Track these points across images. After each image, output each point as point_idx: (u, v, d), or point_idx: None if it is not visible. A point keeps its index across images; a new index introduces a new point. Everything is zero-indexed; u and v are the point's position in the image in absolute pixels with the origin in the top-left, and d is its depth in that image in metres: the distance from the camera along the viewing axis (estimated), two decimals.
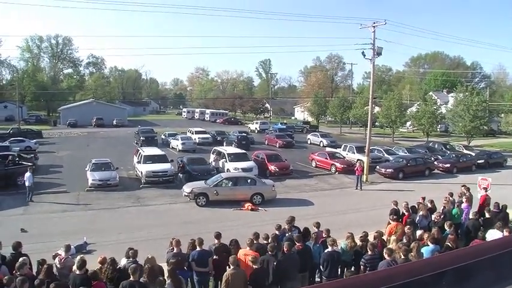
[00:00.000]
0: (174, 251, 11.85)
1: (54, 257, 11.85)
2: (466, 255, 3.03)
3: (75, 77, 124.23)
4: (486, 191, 20.93)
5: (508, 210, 17.19)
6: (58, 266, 11.26)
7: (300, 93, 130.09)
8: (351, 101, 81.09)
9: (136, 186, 29.81)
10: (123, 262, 11.32)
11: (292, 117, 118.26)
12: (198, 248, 11.83)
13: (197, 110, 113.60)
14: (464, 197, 18.82)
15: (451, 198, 18.70)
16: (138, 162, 32.34)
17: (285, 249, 11.36)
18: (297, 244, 11.87)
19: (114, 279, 10.32)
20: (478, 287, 2.87)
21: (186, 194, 25.61)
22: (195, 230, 18.92)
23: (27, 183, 25.28)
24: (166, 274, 10.67)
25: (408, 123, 73.32)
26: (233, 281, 10.07)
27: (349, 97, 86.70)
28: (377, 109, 69.94)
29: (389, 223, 15.49)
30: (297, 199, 27.54)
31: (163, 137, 53.91)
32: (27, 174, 25.53)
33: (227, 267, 10.78)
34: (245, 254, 11.37)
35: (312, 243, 12.59)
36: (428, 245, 12.10)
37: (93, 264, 11.09)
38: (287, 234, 13.41)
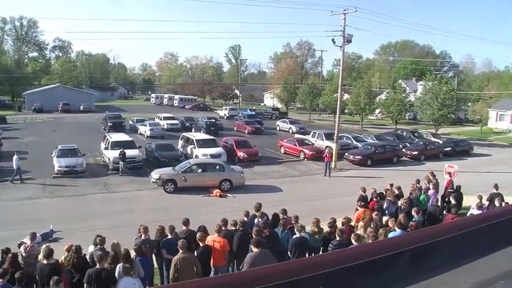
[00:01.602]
0: (142, 237, 11.81)
1: (19, 246, 11.65)
2: (422, 236, 3.16)
3: (40, 60, 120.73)
4: (450, 176, 21.56)
5: (471, 197, 17.67)
6: (23, 254, 11.07)
7: (270, 79, 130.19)
8: (321, 88, 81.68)
9: (104, 172, 29.47)
10: (90, 249, 11.23)
11: (262, 104, 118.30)
12: (169, 236, 11.81)
13: (166, 95, 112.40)
14: (431, 184, 19.24)
15: (418, 185, 19.05)
16: (106, 148, 31.94)
17: (254, 235, 11.48)
18: (264, 231, 11.99)
19: (80, 267, 10.23)
20: (434, 266, 3.01)
21: (154, 180, 25.48)
22: (163, 216, 18.89)
23: (14, 166, 26.90)
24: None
25: (377, 111, 74.44)
26: (182, 265, 10.05)
27: (319, 84, 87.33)
28: (346, 96, 70.69)
29: (357, 209, 15.84)
30: (266, 185, 27.74)
31: (131, 122, 53.36)
32: (15, 157, 27.22)
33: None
34: (213, 240, 11.45)
35: (281, 229, 12.75)
36: (395, 231, 12.39)
37: (60, 252, 10.97)
38: (256, 221, 13.56)
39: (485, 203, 16.47)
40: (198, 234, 11.47)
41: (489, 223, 3.75)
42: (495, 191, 18.33)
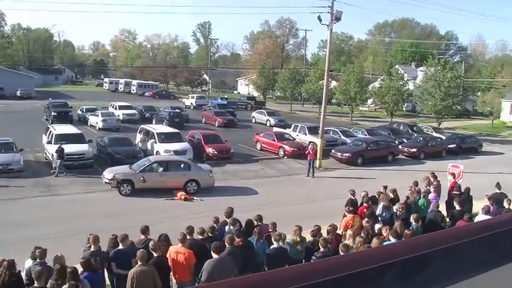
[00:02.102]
0: (92, 249, 11.69)
1: None
2: (416, 245, 3.22)
3: None
4: (454, 177, 21.81)
5: (479, 202, 17.43)
6: None
7: (245, 63, 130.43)
8: (304, 73, 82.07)
9: (46, 171, 29.07)
10: (27, 264, 11.07)
11: (235, 92, 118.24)
12: (120, 246, 11.72)
13: (122, 80, 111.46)
14: (431, 186, 19.27)
15: (416, 187, 19.18)
16: (49, 142, 31.46)
17: (227, 244, 11.49)
18: (237, 240, 12.01)
19: (12, 286, 9.99)
20: (428, 280, 3.07)
21: (107, 180, 25.29)
22: (117, 223, 18.76)
23: None
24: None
25: (370, 101, 75.12)
26: (139, 279, 10.02)
27: (302, 69, 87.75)
28: (334, 84, 71.20)
29: (345, 215, 15.98)
30: (239, 187, 27.81)
31: (79, 112, 52.87)
32: None
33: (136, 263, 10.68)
34: (176, 251, 11.39)
35: (255, 238, 12.78)
36: (389, 240, 12.45)
37: None
38: (226, 228, 13.57)
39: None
40: (151, 243, 11.36)
41: (494, 232, 3.83)
42: (498, 191, 18.66)
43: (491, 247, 3.57)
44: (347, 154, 36.46)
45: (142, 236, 12.31)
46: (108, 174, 25.62)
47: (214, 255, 10.56)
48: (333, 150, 37.32)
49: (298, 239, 13.07)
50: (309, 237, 13.37)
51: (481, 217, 15.46)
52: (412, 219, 14.87)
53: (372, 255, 3.17)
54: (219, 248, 10.75)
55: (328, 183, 30.27)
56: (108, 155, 31.69)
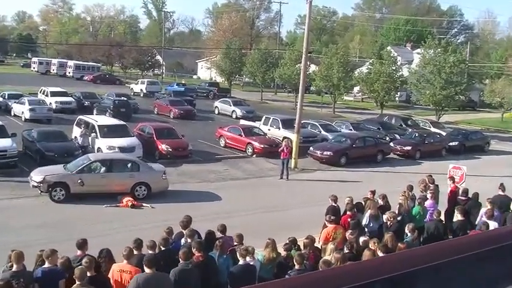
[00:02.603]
0: (14, 268, 11.50)
1: None
2: (400, 261, 3.25)
3: None
4: (454, 181, 21.93)
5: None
6: None
7: (206, 42, 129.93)
8: (278, 55, 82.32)
9: None
10: None
11: (194, 77, 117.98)
12: (46, 264, 11.55)
13: (54, 60, 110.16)
14: (428, 191, 19.39)
15: (410, 192, 19.25)
16: None
17: (181, 260, 11.44)
18: (196, 254, 11.96)
19: None
20: None
21: (36, 184, 24.90)
22: (48, 236, 18.54)
23: None
24: None
25: (356, 89, 76.01)
26: None
27: (275, 50, 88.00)
28: (313, 68, 71.64)
29: (325, 226, 16.07)
30: (198, 192, 27.78)
31: (0, 99, 52.09)
32: None
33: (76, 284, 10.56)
34: (121, 270, 11.28)
35: (217, 253, 12.76)
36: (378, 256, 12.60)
37: None
38: (183, 241, 13.52)
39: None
40: (84, 260, 11.21)
41: (491, 247, 3.85)
42: (501, 193, 18.94)
43: (488, 265, 3.59)
44: (328, 152, 36.70)
45: (79, 252, 12.13)
46: (36, 175, 25.22)
47: (147, 270, 10.55)
48: (311, 148, 37.56)
49: (274, 255, 13.03)
50: (282, 252, 13.38)
51: (483, 223, 15.64)
52: (407, 230, 14.96)
53: (351, 272, 3.19)
54: (152, 261, 10.70)
55: (305, 187, 30.45)
56: (37, 152, 31.20)
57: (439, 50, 56.95)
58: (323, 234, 15.50)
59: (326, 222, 16.04)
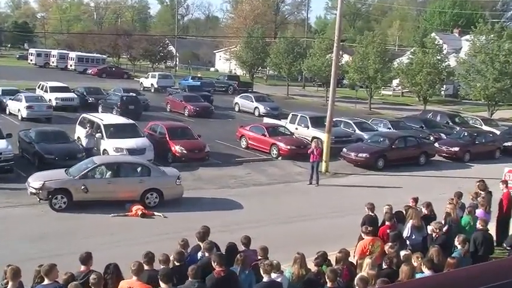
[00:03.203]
0: (10, 286, 11.56)
1: None
2: (458, 280, 3.16)
3: None
4: (507, 186, 21.48)
5: None
6: None
7: (225, 30, 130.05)
8: (306, 44, 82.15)
9: None
10: None
11: (212, 69, 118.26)
12: (46, 281, 11.57)
13: (54, 52, 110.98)
14: (479, 199, 19.09)
15: (459, 200, 19.05)
16: None
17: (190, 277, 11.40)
18: (217, 269, 11.91)
19: None
20: None
21: (34, 190, 24.94)
22: (48, 250, 18.58)
23: None
24: None
25: (395, 82, 75.49)
26: None
27: (303, 38, 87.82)
28: (346, 58, 71.37)
29: (361, 238, 15.94)
30: (216, 199, 27.75)
31: None
32: None
33: None
34: (130, 287, 11.34)
35: (239, 268, 12.70)
36: (422, 272, 12.43)
37: None
38: (199, 255, 13.49)
39: None
40: (91, 277, 11.21)
41: None
42: None
43: None
44: (363, 154, 36.44)
45: (83, 267, 12.17)
46: (35, 181, 25.24)
47: (163, 285, 10.67)
48: (344, 149, 37.33)
49: (303, 272, 12.94)
50: (312, 268, 13.28)
51: None
52: (456, 242, 14.75)
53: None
54: (168, 275, 10.80)
55: (337, 193, 30.29)
56: (35, 155, 31.31)
57: (492, 36, 55.84)
58: (359, 248, 15.39)
59: (362, 234, 15.89)
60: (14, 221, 23.52)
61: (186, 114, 52.96)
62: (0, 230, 22.33)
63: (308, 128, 42.02)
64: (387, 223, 16.82)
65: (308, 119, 42.88)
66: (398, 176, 34.16)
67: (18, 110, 46.61)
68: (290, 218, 24.89)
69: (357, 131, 42.39)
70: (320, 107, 58.08)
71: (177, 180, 26.82)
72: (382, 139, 38.76)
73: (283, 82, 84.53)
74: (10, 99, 49.09)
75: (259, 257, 13.27)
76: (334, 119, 37.62)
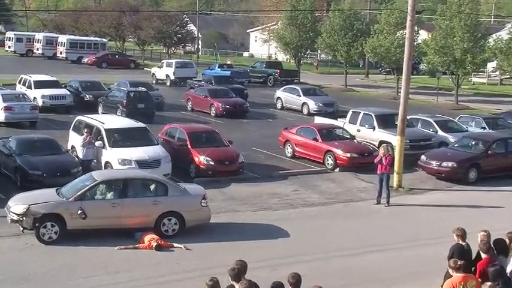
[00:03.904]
0: None
1: None
2: None
3: None
4: None
5: None
6: None
7: (262, 2, 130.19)
8: (369, 18, 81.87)
9: None
10: None
11: (245, 54, 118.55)
12: None
13: (39, 35, 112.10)
14: None
15: None
16: None
17: None
18: None
19: None
20: None
21: (16, 217, 25.09)
22: None
23: None
24: None
25: (491, 66, 74.62)
26: None
27: (365, 10, 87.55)
28: (423, 36, 70.90)
29: (449, 275, 15.83)
30: (254, 225, 27.76)
31: None
32: None
33: None
34: None
35: None
36: None
37: None
38: None
39: None
40: None
41: None
42: None
43: None
44: (449, 164, 36.21)
45: None
46: (17, 205, 25.25)
47: None
48: (423, 157, 37.15)
49: None
50: None
51: None
52: None
53: None
54: None
55: (414, 215, 30.11)
56: (16, 171, 31.60)
57: None
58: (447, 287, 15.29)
59: (450, 270, 15.77)
60: None
61: (212, 114, 53.34)
62: None
63: (374, 129, 41.88)
64: (484, 255, 16.58)
65: (374, 117, 42.70)
66: (497, 192, 33.88)
67: None
68: (351, 250, 24.71)
69: (440, 132, 42.17)
70: (389, 101, 57.91)
71: (203, 201, 26.75)
72: (474, 143, 38.63)
73: (339, 69, 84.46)
74: None
75: None
76: (408, 117, 37.46)
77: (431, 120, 44.13)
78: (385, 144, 34.92)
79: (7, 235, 25.31)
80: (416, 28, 41.42)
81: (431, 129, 42.65)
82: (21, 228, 24.90)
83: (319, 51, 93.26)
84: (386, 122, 41.13)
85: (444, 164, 36.18)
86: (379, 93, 72.60)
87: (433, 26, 73.02)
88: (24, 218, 24.57)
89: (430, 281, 16.31)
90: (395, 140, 35.74)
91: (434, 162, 36.48)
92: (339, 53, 79.23)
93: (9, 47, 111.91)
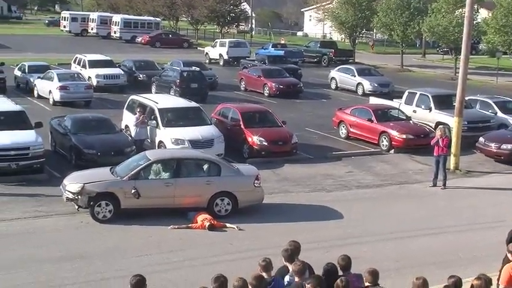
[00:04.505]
0: None
1: None
2: None
3: None
4: None
5: None
6: None
7: None
8: None
9: None
10: None
11: (299, 33, 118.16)
12: None
13: (93, 15, 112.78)
14: None
15: None
16: None
17: None
18: None
19: None
20: None
21: (71, 196, 25.27)
22: (90, 273, 18.94)
23: None
24: None
25: None
26: None
27: None
28: (484, 14, 70.09)
29: (507, 260, 15.69)
30: (307, 206, 27.79)
31: (18, 73, 53.86)
32: None
33: None
34: None
35: None
36: None
37: None
38: (287, 279, 13.55)
39: None
40: None
41: None
42: None
43: None
44: (509, 146, 35.80)
45: None
46: (72, 184, 25.47)
47: None
48: (481, 139, 36.81)
49: None
50: None
51: None
52: None
53: None
54: None
55: (471, 198, 29.84)
56: (71, 150, 31.84)
57: None
58: (505, 273, 15.09)
59: (509, 255, 15.63)
60: (46, 235, 23.89)
61: (266, 94, 53.40)
62: (29, 246, 22.61)
63: (431, 110, 41.54)
64: None
65: (430, 98, 42.34)
66: None
67: (49, 91, 47.57)
68: (406, 232, 24.62)
69: (499, 114, 41.68)
70: (447, 81, 57.43)
71: (256, 182, 26.78)
72: None
73: (395, 49, 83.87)
74: (39, 77, 50.07)
75: (366, 284, 13.25)
76: (466, 98, 37.10)
77: (490, 101, 43.60)
78: (442, 126, 34.69)
79: (63, 213, 25.70)
80: (475, 6, 40.96)
81: (490, 111, 42.16)
82: (76, 207, 25.24)
83: (374, 31, 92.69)
84: (444, 103, 40.77)
85: (503, 146, 35.80)
86: (436, 74, 71.90)
87: (493, 4, 71.92)
88: (79, 197, 24.83)
89: (487, 265, 16.19)
90: (452, 121, 35.37)
91: (493, 145, 36.10)
92: (395, 33, 78.65)
93: (64, 26, 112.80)
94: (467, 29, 35.97)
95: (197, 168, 26.94)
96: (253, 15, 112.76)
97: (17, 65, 55.47)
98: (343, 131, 40.02)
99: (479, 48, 79.30)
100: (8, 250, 22.30)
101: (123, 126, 35.90)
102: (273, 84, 54.10)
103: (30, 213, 25.94)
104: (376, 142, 37.89)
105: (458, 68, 37.12)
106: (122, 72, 54.97)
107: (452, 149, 33.51)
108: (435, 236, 24.36)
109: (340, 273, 13.65)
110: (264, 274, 13.34)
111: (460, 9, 62.95)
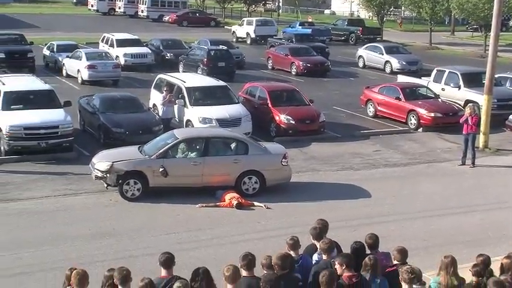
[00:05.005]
0: None
1: None
2: None
3: None
4: None
5: None
6: None
7: None
8: None
9: None
10: None
11: (326, 11, 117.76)
12: None
13: None
14: None
15: None
16: None
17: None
18: (345, 274, 11.98)
19: None
20: None
21: (100, 174, 25.45)
22: (119, 250, 19.15)
23: None
24: None
25: None
26: None
27: None
28: None
29: None
30: (335, 184, 27.81)
31: (47, 53, 54.13)
32: None
33: None
34: None
35: (368, 275, 12.72)
36: None
37: None
38: (315, 257, 13.57)
39: None
40: (176, 285, 11.36)
41: None
42: None
43: None
44: None
45: (164, 272, 12.36)
46: (100, 162, 25.68)
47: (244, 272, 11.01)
48: (511, 117, 36.41)
49: (454, 282, 12.82)
50: (468, 277, 13.14)
51: None
52: None
53: None
54: (272, 284, 10.98)
55: (501, 177, 29.80)
56: (100, 129, 32.01)
57: None
58: None
59: None
60: (75, 213, 24.12)
61: (293, 73, 53.31)
62: (59, 224, 22.90)
63: (460, 88, 41.22)
64: None
65: (459, 76, 41.96)
66: None
67: (78, 70, 47.74)
68: (434, 211, 24.58)
69: None
70: (476, 59, 57.07)
71: (283, 160, 26.82)
72: None
73: (424, 27, 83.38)
74: (67, 57, 50.31)
75: (395, 262, 13.25)
76: (496, 76, 36.92)
77: None
78: (471, 104, 34.49)
79: (92, 191, 25.98)
80: None
81: None
82: (105, 185, 25.45)
83: (403, 8, 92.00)
84: (473, 80, 40.46)
85: None
86: (465, 51, 71.46)
87: None
88: (108, 175, 25.04)
89: None
90: (482, 99, 35.23)
91: None
92: (424, 10, 78.03)
93: (92, 6, 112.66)
94: (498, 5, 35.71)
95: (225, 147, 27.06)
96: None
97: (45, 44, 55.80)
98: (370, 110, 39.92)
99: (510, 25, 78.61)
100: (39, 228, 22.61)
101: (150, 105, 36.06)
102: (301, 62, 53.98)
103: (60, 191, 26.25)
104: (404, 120, 37.77)
105: (488, 46, 36.85)
106: (150, 51, 54.99)
107: (482, 127, 33.37)
108: (464, 214, 24.38)
109: (368, 251, 13.74)
110: (291, 252, 13.40)
111: None
